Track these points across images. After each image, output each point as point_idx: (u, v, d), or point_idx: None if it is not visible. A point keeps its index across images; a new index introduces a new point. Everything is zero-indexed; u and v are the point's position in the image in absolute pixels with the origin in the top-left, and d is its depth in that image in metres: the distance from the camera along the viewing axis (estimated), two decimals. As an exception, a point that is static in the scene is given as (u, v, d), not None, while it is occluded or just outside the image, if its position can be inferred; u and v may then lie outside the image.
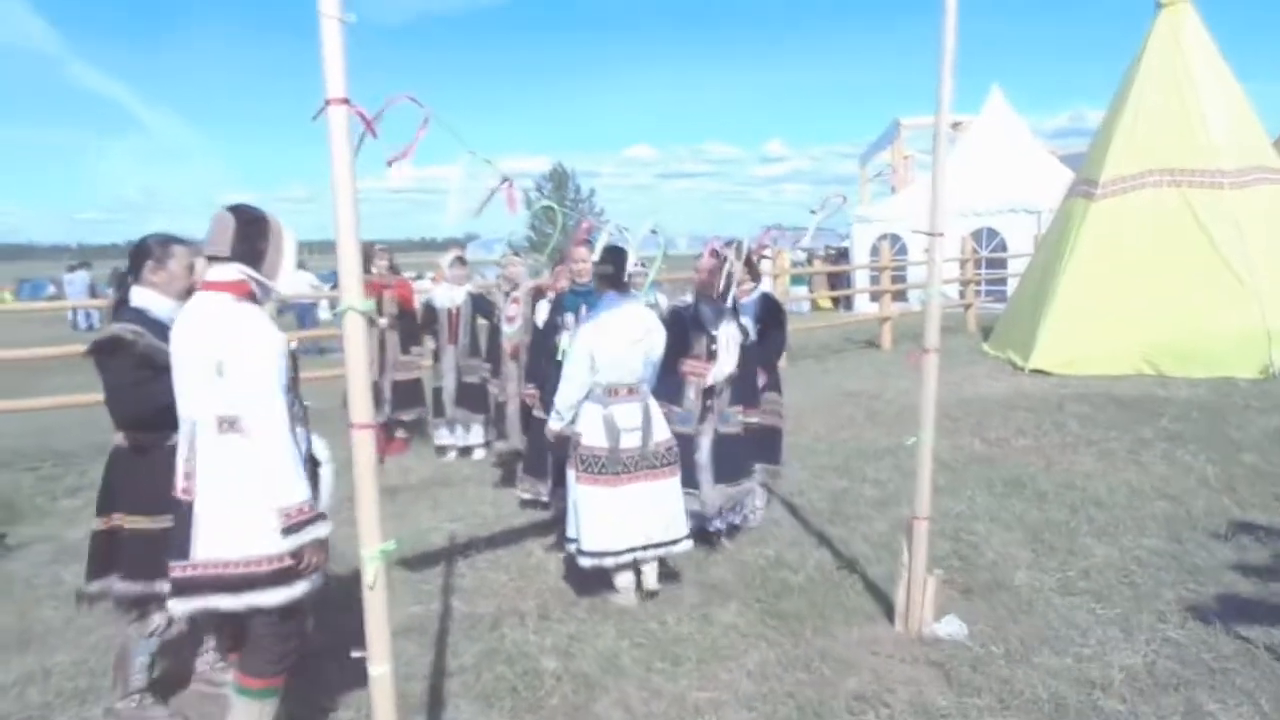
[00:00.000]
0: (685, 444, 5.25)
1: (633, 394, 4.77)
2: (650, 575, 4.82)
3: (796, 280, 24.37)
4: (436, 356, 8.00)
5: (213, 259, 3.03)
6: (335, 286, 27.55)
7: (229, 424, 2.87)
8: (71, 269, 26.56)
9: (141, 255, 3.56)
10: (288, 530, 2.86)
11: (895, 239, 21.35)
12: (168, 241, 3.60)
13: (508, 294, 6.92)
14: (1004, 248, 20.44)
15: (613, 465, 4.67)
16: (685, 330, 5.35)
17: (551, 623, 4.50)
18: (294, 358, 3.09)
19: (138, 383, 3.34)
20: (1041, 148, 23.44)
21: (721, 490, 5.23)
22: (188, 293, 3.53)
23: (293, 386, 3.05)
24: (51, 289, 34.39)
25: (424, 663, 4.06)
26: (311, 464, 3.12)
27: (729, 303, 5.34)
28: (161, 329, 3.41)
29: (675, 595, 4.80)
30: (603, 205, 39.07)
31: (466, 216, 2.91)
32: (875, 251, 20.98)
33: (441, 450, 8.12)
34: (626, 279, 4.89)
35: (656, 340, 4.84)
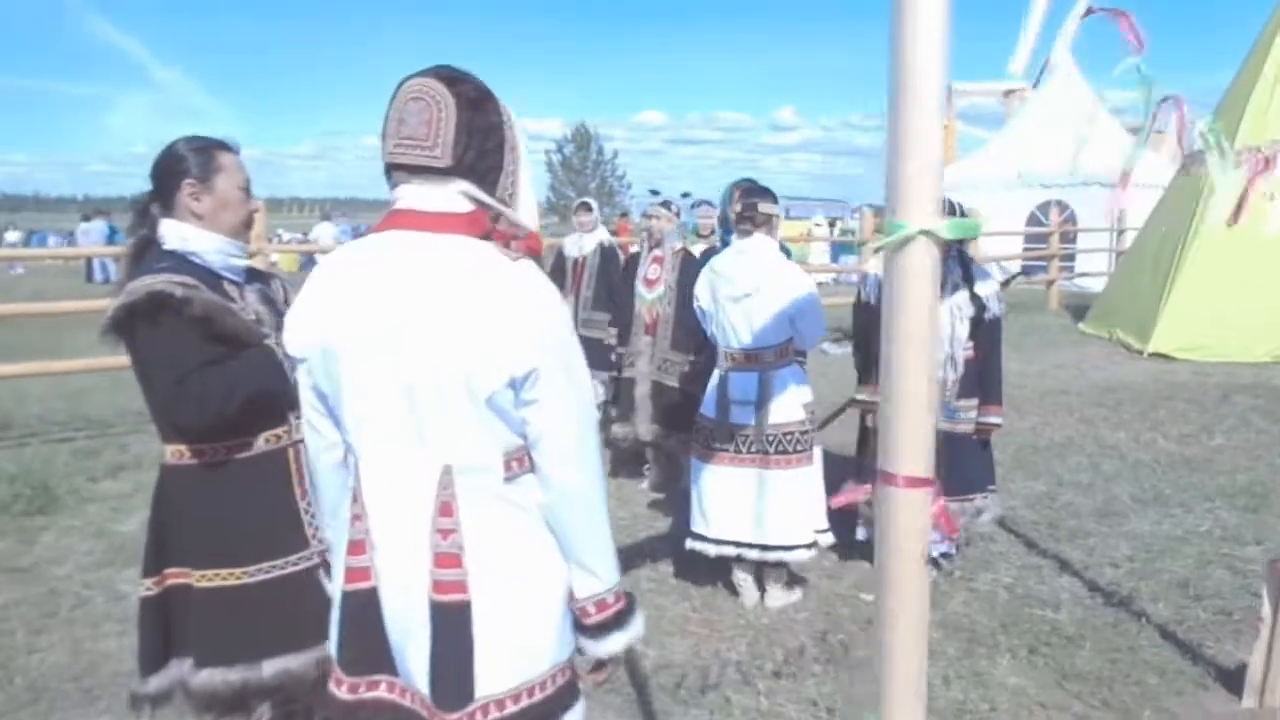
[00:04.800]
0: None
1: (749, 361, 4.04)
2: (773, 588, 4.13)
3: (846, 249, 23.27)
4: None
5: (408, 170, 1.64)
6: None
7: (517, 463, 1.67)
8: (87, 218, 25.06)
9: (173, 173, 2.31)
10: (595, 630, 1.73)
11: (952, 208, 20.14)
12: (209, 147, 2.34)
13: (649, 249, 5.77)
14: (1074, 221, 19.25)
15: (722, 439, 4.08)
16: None
17: (781, 679, 3.44)
18: None
19: (205, 365, 2.18)
20: (1114, 120, 22.12)
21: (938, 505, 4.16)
22: (246, 226, 2.41)
23: None
24: (52, 240, 32.92)
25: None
26: None
27: (961, 267, 4.25)
28: (215, 282, 2.29)
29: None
30: (624, 169, 37.66)
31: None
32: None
33: None
34: (749, 219, 4.14)
35: (768, 298, 3.96)
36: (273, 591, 2.35)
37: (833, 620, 3.95)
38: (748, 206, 4.09)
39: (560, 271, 6.77)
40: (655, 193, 7.45)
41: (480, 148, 1.65)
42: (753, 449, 4.00)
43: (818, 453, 4.07)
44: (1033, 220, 19.53)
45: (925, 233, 1.04)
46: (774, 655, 3.61)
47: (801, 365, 4.13)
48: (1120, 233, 17.23)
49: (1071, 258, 18.70)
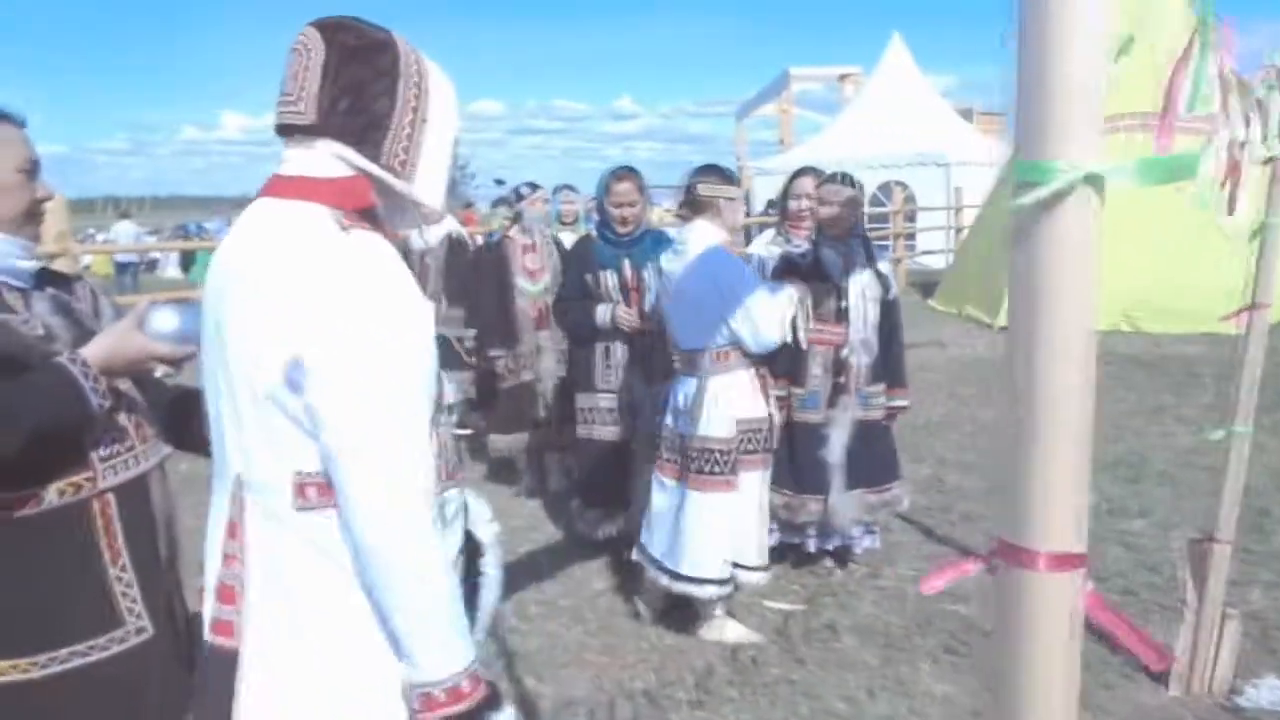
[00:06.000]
0: (809, 436, 3.90)
1: (689, 365, 3.56)
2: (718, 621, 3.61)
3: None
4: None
5: (283, 131, 1.42)
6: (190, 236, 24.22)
7: (316, 490, 1.33)
8: None
9: None
10: None
11: (851, 181, 20.36)
12: None
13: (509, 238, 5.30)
14: (913, 200, 19.83)
15: (668, 448, 3.61)
16: (804, 283, 3.98)
17: (695, 709, 3.11)
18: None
19: None
20: (944, 102, 22.94)
21: (859, 499, 3.91)
22: (30, 216, 1.86)
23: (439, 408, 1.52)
24: None
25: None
26: (465, 556, 1.60)
27: (863, 246, 4.01)
28: None
29: (840, 650, 3.48)
30: (466, 159, 36.62)
31: None
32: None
33: None
34: (686, 204, 3.63)
35: (701, 295, 3.44)
36: (74, 686, 1.81)
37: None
38: (687, 189, 3.61)
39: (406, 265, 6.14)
40: (500, 182, 7.01)
41: (354, 103, 1.38)
42: (681, 462, 3.54)
43: (749, 479, 3.49)
44: (874, 201, 19.97)
45: (1090, 179, 0.69)
46: (684, 681, 3.27)
47: (756, 374, 3.54)
48: (957, 210, 17.85)
49: (913, 236, 19.26)
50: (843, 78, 26.50)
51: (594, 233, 4.65)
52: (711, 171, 3.58)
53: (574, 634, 3.65)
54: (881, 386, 4.00)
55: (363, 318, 1.28)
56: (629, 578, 4.09)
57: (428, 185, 1.43)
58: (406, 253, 6.17)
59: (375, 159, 1.39)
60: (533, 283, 5.22)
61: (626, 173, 4.34)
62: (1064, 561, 0.77)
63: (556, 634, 3.64)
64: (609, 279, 4.26)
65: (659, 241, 4.41)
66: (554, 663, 3.41)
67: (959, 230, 17.24)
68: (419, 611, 1.30)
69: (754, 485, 3.50)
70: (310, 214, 1.35)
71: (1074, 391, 0.76)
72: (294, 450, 1.32)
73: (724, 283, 3.38)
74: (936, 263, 17.73)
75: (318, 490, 1.32)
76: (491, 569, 1.68)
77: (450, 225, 6.20)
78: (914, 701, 3.12)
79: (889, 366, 4.03)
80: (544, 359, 5.06)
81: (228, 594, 1.39)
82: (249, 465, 1.36)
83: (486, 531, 1.68)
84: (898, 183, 19.66)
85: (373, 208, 1.41)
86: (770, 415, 3.52)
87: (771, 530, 4.01)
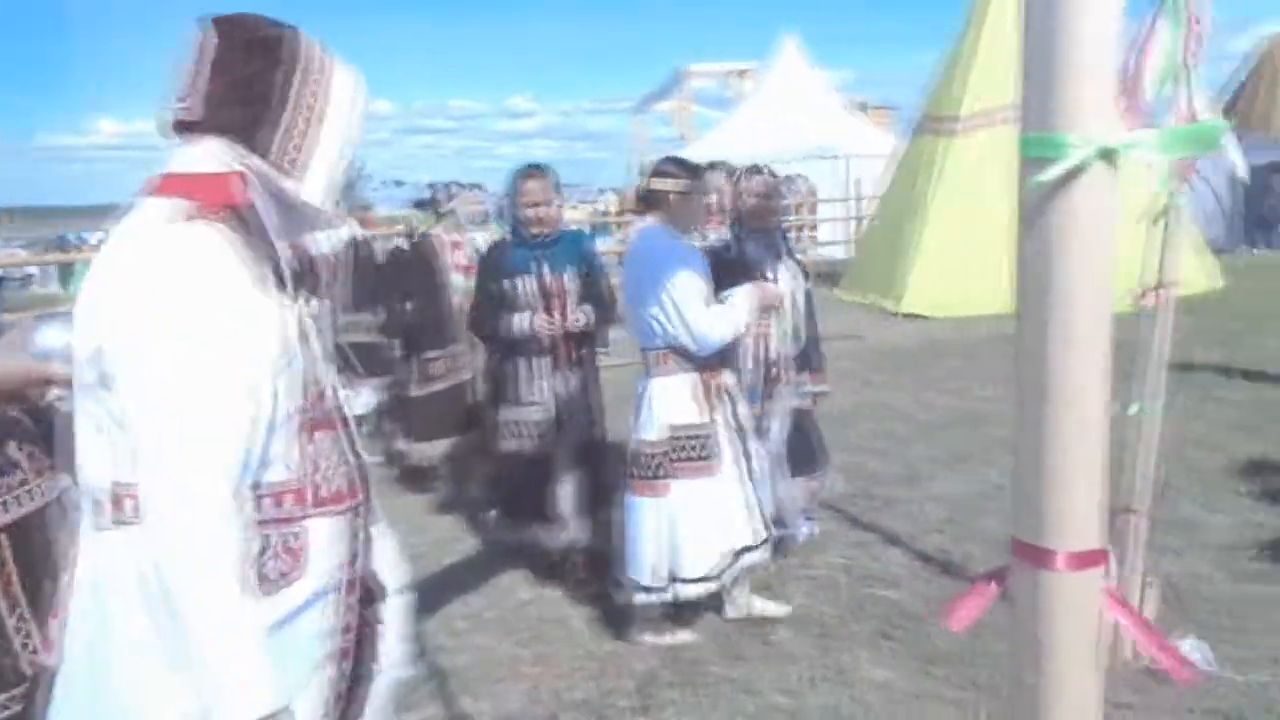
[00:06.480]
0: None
1: (643, 366, 3.52)
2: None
3: (603, 231, 23.20)
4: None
5: (179, 129, 1.36)
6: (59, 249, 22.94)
7: (123, 502, 1.24)
8: None
9: None
10: None
11: (764, 170, 20.42)
12: None
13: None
14: (813, 193, 20.15)
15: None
16: (730, 278, 3.93)
17: (638, 715, 3.05)
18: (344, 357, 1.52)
19: None
20: (835, 96, 23.34)
21: (803, 485, 3.94)
22: None
23: (323, 422, 1.40)
24: None
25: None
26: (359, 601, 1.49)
27: (781, 237, 4.03)
28: None
29: (777, 643, 3.47)
30: (358, 160, 35.81)
31: None
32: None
33: None
34: (643, 199, 3.64)
35: (636, 294, 3.43)
36: None
37: (676, 634, 3.60)
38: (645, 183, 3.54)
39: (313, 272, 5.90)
40: (400, 183, 6.85)
41: (242, 98, 1.32)
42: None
43: (687, 487, 3.35)
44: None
45: (1105, 154, 0.66)
46: (624, 687, 3.21)
47: (701, 381, 3.41)
48: (858, 201, 18.19)
49: (814, 228, 19.58)
50: (740, 74, 26.76)
51: (508, 235, 4.42)
52: (667, 164, 3.49)
53: (505, 647, 3.55)
54: (805, 375, 4.03)
55: (167, 311, 1.22)
56: (556, 586, 4.01)
57: (314, 185, 1.38)
58: (310, 260, 5.95)
59: (264, 156, 1.34)
60: (466, 278, 5.09)
61: (536, 170, 4.10)
62: (1084, 560, 0.74)
63: (487, 648, 3.54)
64: (525, 284, 4.04)
65: (577, 241, 4.32)
66: (488, 678, 3.31)
67: (858, 220, 17.57)
68: (203, 643, 1.21)
69: (694, 494, 3.35)
70: (160, 209, 1.30)
71: (1090, 383, 0.72)
72: (110, 456, 1.25)
73: (656, 273, 3.27)
74: (837, 253, 18.03)
75: (122, 503, 1.24)
76: (390, 618, 1.55)
77: (351, 229, 5.97)
78: (854, 690, 3.13)
79: (808, 354, 4.07)
80: (480, 356, 4.92)
81: (56, 608, 1.37)
82: (81, 474, 1.31)
83: (391, 575, 1.56)
84: (799, 176, 19.95)
85: (238, 206, 1.32)
86: (710, 423, 3.39)
87: None
